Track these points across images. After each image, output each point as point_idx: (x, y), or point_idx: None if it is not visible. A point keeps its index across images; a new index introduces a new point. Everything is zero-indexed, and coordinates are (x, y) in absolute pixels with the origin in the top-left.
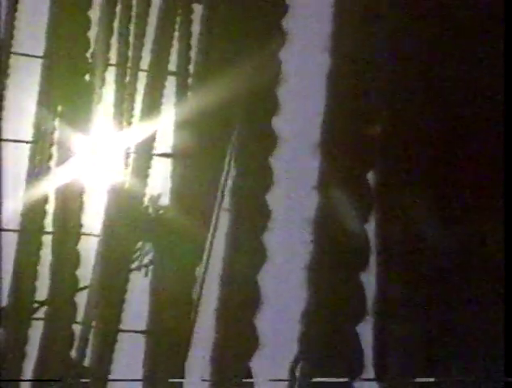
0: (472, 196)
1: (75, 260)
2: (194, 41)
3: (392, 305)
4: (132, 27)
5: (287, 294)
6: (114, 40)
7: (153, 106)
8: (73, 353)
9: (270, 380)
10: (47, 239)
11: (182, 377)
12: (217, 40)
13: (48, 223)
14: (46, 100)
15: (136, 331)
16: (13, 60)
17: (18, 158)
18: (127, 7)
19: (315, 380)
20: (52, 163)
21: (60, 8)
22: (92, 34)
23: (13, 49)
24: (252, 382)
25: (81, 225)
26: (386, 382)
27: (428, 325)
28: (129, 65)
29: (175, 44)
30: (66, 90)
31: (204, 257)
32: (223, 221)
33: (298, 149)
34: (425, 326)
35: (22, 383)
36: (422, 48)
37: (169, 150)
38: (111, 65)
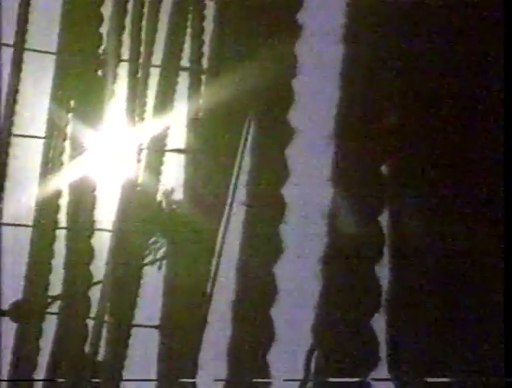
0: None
1: (88, 255)
2: (206, 36)
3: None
4: (144, 23)
5: (303, 287)
6: (126, 36)
7: (165, 101)
8: (87, 348)
9: (285, 380)
10: (60, 234)
11: (196, 371)
12: (230, 35)
13: (62, 218)
14: (59, 96)
15: (149, 326)
16: (26, 56)
17: (32, 153)
18: (139, 3)
19: (330, 379)
20: (65, 158)
21: (73, 4)
22: (104, 30)
23: (26, 45)
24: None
25: (94, 220)
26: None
27: (430, 322)
28: (141, 60)
29: (188, 39)
30: (79, 85)
31: (218, 251)
32: (237, 215)
33: (313, 141)
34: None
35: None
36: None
37: (182, 146)
38: (123, 60)
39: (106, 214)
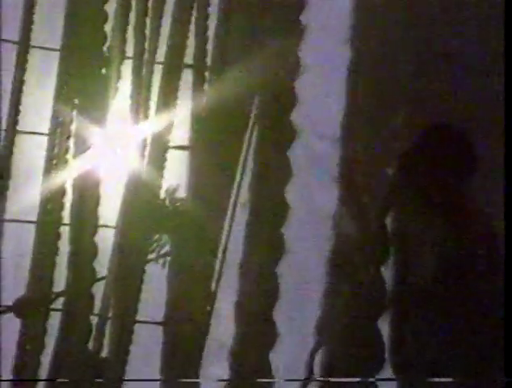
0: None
1: (92, 252)
2: (210, 34)
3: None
4: (148, 20)
5: (306, 288)
6: (130, 33)
7: (169, 98)
8: (91, 344)
9: (286, 380)
10: (64, 231)
11: (200, 368)
12: (234, 33)
13: (66, 215)
14: (63, 93)
15: (153, 323)
16: (30, 53)
17: (36, 150)
18: (143, 0)
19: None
20: (69, 155)
21: (77, 2)
22: (108, 27)
23: (30, 42)
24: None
25: (98, 217)
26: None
27: (430, 324)
28: (145, 57)
29: (191, 36)
30: (83, 82)
31: (221, 249)
32: (240, 214)
33: (317, 141)
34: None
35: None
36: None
37: (185, 143)
38: (127, 58)
39: (110, 211)
